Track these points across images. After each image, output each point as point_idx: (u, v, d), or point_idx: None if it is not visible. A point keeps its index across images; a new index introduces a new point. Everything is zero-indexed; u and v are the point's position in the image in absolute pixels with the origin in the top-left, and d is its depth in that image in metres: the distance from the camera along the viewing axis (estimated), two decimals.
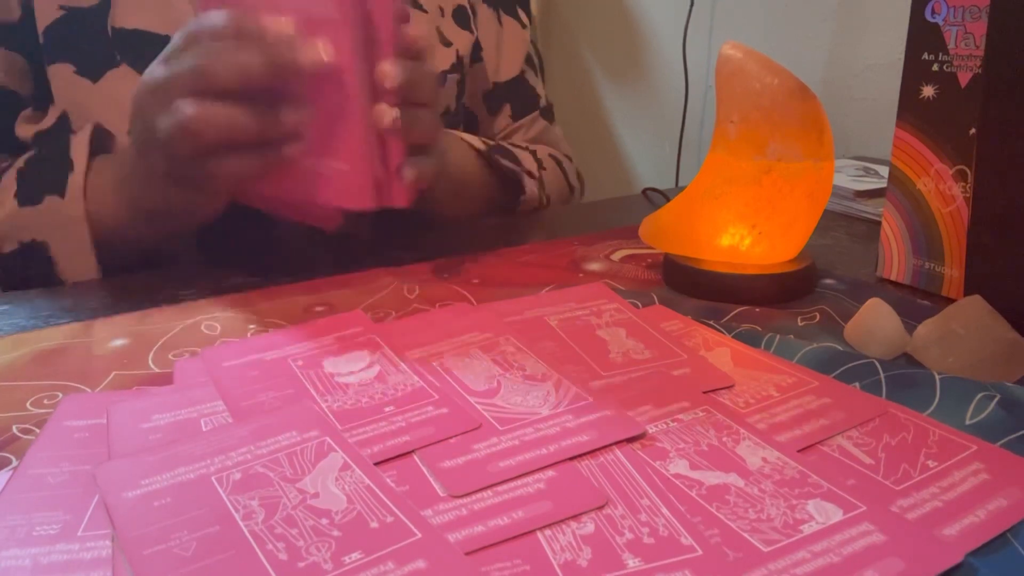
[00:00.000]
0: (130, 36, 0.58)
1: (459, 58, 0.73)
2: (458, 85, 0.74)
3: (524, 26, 0.81)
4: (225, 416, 0.36)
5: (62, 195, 0.54)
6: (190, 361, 0.42)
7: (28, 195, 0.55)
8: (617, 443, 0.33)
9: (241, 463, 0.32)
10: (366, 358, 0.41)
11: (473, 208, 0.72)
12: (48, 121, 0.60)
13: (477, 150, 0.71)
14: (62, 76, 0.59)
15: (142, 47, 0.59)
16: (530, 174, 0.75)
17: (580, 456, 0.33)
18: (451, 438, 0.34)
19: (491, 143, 0.73)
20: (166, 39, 0.58)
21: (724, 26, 1.21)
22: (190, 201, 0.52)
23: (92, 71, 0.58)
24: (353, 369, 0.39)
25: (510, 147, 0.75)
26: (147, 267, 0.57)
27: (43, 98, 0.60)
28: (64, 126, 0.59)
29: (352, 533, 0.28)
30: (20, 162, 0.57)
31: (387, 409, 0.36)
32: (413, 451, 0.33)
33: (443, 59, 0.72)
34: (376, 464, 0.32)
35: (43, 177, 0.55)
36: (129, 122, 0.51)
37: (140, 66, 0.59)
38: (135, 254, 0.57)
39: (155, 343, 0.44)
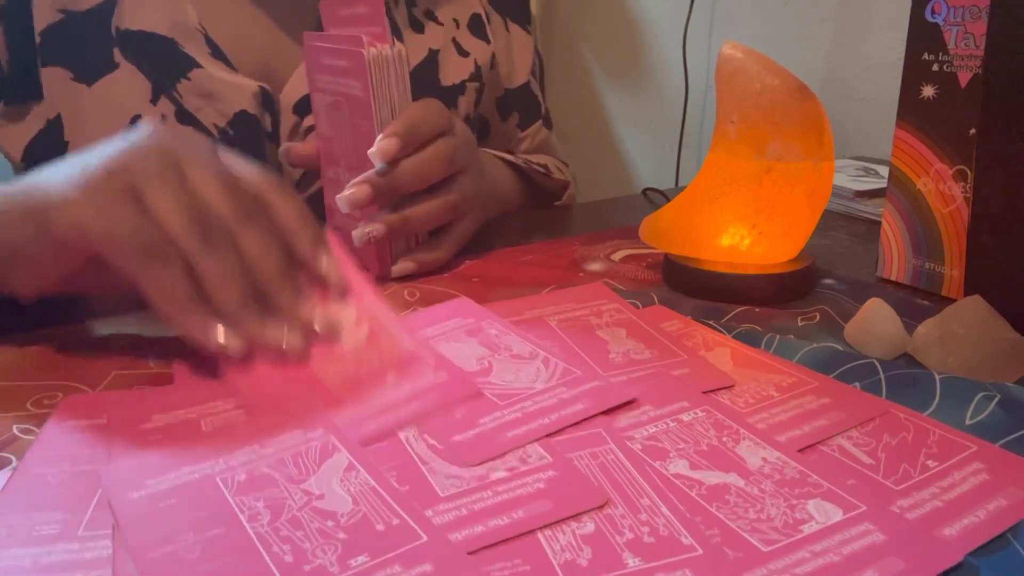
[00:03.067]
0: (135, 37, 0.58)
1: (477, 67, 0.74)
2: (477, 93, 0.75)
3: (529, 33, 0.82)
4: (226, 416, 0.36)
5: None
6: (190, 361, 0.42)
7: None
8: (617, 443, 0.33)
9: (246, 463, 0.32)
10: (353, 315, 0.41)
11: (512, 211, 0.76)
12: (37, 125, 0.59)
13: (518, 168, 0.75)
14: (57, 80, 0.58)
15: (146, 48, 0.58)
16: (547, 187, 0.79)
17: (579, 455, 0.33)
18: (456, 411, 0.35)
19: (522, 162, 0.76)
20: (170, 41, 0.58)
21: (724, 26, 1.21)
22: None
23: (88, 76, 0.58)
24: (345, 326, 0.40)
25: (529, 167, 0.77)
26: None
27: (19, 89, 0.58)
28: (56, 131, 0.59)
29: (358, 535, 0.28)
30: None
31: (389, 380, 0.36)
32: (421, 421, 0.34)
33: (461, 69, 0.72)
34: (382, 441, 0.33)
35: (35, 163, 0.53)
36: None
37: (143, 67, 0.59)
38: None
39: (155, 343, 0.44)
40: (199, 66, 0.59)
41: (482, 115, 0.80)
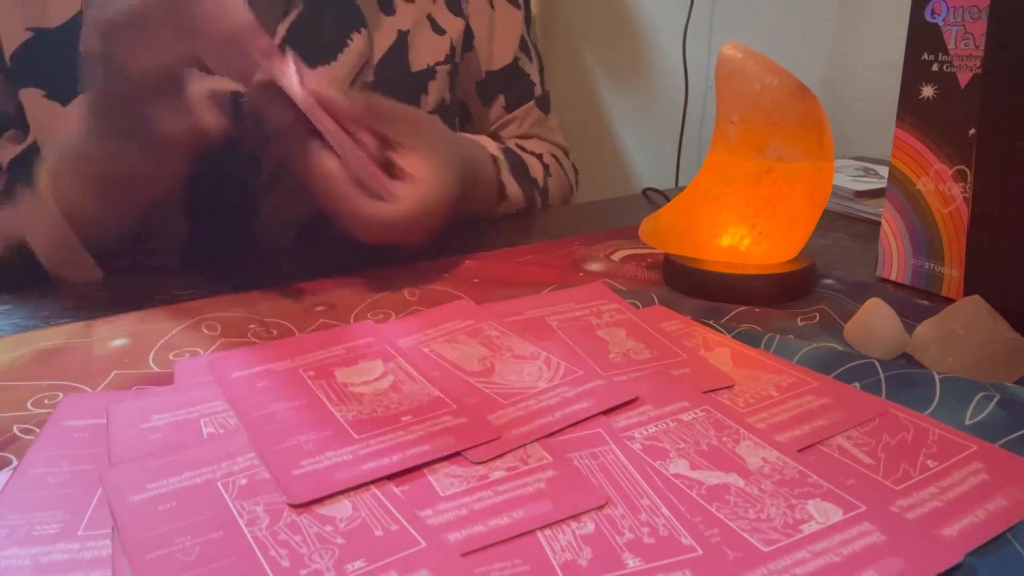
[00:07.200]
0: None
1: (452, 47, 0.70)
2: (449, 76, 0.70)
3: (518, 7, 0.77)
4: (225, 417, 0.36)
5: (31, 184, 0.53)
6: (190, 361, 0.42)
7: (4, 196, 0.54)
8: (617, 443, 0.33)
9: (248, 468, 0.32)
10: (379, 368, 0.40)
11: (478, 212, 0.71)
12: (20, 148, 0.58)
13: (494, 158, 0.70)
14: (32, 101, 0.57)
15: None
16: (536, 183, 0.74)
17: (579, 455, 0.33)
18: (470, 448, 0.33)
19: (503, 148, 0.72)
20: None
21: (724, 26, 1.22)
22: (144, 156, 0.49)
23: (61, 95, 0.57)
24: (367, 379, 0.39)
25: (519, 153, 0.73)
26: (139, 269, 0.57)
27: (24, 120, 0.59)
28: (35, 153, 0.58)
29: (356, 541, 0.28)
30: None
31: (404, 419, 0.35)
32: (433, 461, 0.32)
33: (437, 49, 0.69)
34: (395, 475, 0.31)
35: (17, 176, 0.54)
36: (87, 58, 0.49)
37: None
38: (109, 240, 0.55)
39: (155, 343, 0.44)
40: None
41: (461, 100, 0.75)
